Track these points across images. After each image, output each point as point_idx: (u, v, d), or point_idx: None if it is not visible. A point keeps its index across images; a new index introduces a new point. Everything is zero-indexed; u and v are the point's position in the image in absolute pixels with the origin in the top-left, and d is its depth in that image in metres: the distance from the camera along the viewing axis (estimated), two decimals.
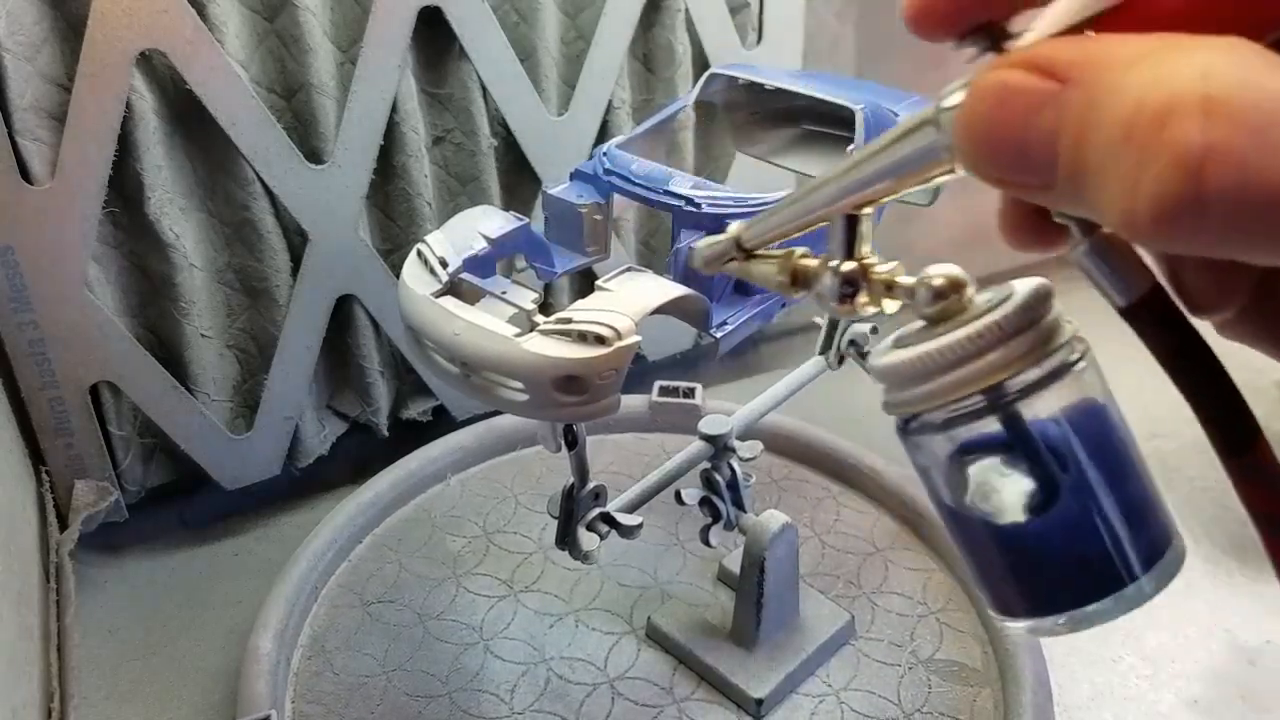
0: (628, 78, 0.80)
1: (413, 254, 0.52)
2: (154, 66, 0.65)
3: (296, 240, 0.74)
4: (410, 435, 0.82)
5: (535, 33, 0.75)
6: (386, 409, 0.82)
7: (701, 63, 0.82)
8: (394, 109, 0.72)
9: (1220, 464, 0.23)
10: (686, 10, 0.79)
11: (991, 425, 0.26)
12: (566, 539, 0.57)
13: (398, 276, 0.78)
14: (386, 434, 0.83)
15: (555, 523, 0.57)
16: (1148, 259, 0.25)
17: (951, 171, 0.25)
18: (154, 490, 0.77)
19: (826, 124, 0.63)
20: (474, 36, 0.72)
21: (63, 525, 0.71)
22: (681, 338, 0.90)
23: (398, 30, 0.70)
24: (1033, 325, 0.26)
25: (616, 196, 0.55)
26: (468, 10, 0.71)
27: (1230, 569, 0.74)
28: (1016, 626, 0.28)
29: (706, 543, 0.62)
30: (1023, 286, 0.26)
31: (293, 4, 0.66)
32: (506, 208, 0.82)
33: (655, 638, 0.67)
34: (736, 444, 0.62)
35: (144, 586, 0.74)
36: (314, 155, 0.71)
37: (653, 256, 0.88)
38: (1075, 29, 0.21)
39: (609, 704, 0.63)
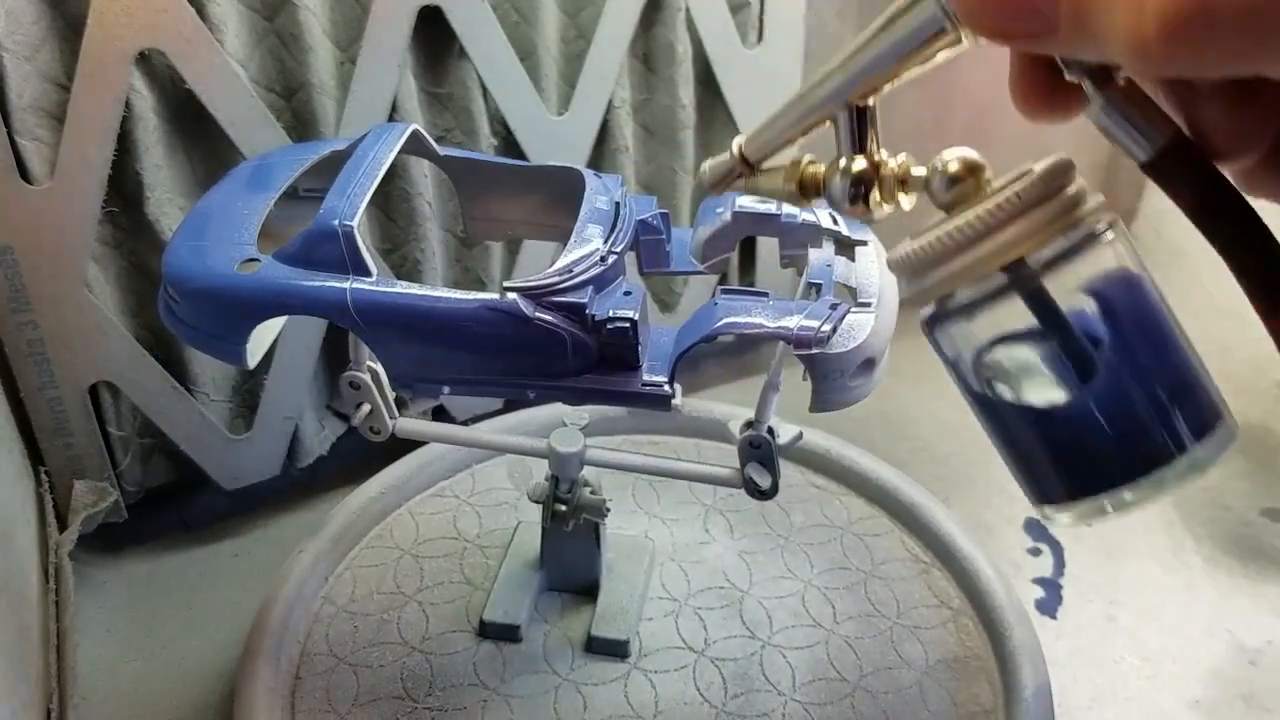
0: (628, 77, 0.80)
1: None
2: (153, 66, 0.65)
3: None
4: None
5: (535, 32, 0.75)
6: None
7: (702, 61, 0.81)
8: (394, 108, 0.72)
9: (1262, 324, 0.22)
10: (687, 9, 0.78)
11: (1017, 304, 0.25)
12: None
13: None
14: None
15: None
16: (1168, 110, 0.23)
17: (956, 41, 0.24)
18: (153, 491, 0.77)
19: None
20: (474, 36, 0.72)
21: (62, 526, 0.71)
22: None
23: (397, 29, 0.70)
24: (1052, 197, 0.24)
25: None
26: (468, 10, 0.71)
27: (1231, 569, 0.74)
28: (1060, 514, 0.27)
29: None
30: (1042, 162, 0.25)
31: (292, 3, 0.66)
32: None
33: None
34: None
35: (143, 587, 0.74)
36: None
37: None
38: None
39: None
